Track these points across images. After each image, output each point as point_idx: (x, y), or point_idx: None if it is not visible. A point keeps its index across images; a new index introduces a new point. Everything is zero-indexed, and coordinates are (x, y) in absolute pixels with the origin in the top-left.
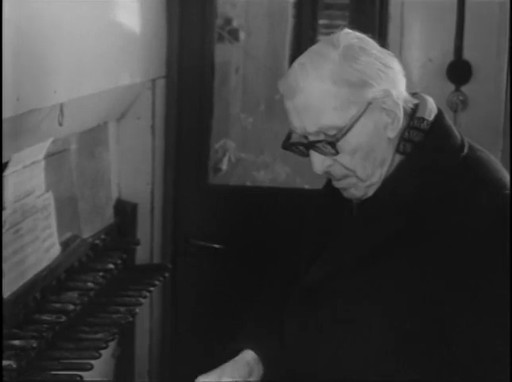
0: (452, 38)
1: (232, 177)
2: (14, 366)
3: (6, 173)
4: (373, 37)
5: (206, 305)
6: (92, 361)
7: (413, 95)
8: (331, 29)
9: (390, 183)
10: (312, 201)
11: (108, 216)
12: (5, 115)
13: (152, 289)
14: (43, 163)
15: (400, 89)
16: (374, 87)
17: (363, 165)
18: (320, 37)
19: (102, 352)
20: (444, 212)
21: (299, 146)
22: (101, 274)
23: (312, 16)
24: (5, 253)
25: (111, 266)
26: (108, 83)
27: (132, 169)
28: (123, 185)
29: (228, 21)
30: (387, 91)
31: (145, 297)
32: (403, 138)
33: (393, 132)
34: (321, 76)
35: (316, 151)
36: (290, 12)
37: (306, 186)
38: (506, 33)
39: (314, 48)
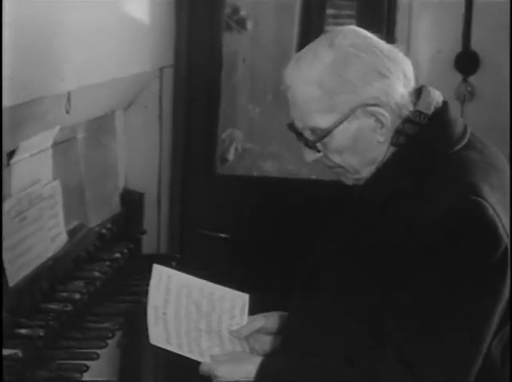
0: (460, 29)
1: (239, 167)
2: (21, 355)
3: (13, 161)
4: (380, 29)
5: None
6: (98, 351)
7: (419, 88)
8: (339, 18)
9: (378, 174)
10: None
11: (115, 206)
12: (12, 103)
13: None
14: (50, 151)
15: (395, 95)
16: (362, 95)
17: (350, 163)
18: (328, 27)
19: (108, 341)
20: (406, 207)
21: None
22: (108, 263)
23: (320, 5)
24: (11, 242)
25: (118, 255)
26: (116, 72)
27: (139, 159)
28: (130, 175)
29: (236, 10)
30: (377, 98)
31: None
32: (397, 131)
33: (382, 136)
34: (309, 78)
35: (303, 144)
36: (298, 1)
37: (313, 176)
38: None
39: (315, 43)
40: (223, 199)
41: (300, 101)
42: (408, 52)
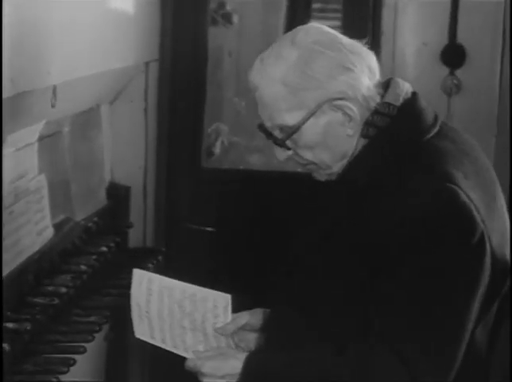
0: (447, 22)
1: (225, 161)
2: (7, 349)
3: None
4: (366, 23)
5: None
6: (85, 344)
7: (388, 81)
8: (325, 12)
9: (350, 167)
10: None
11: (101, 199)
12: None
13: None
14: (36, 145)
15: (361, 87)
16: (327, 90)
17: (322, 158)
18: (314, 21)
19: (95, 335)
20: (380, 199)
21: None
22: (94, 257)
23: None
24: None
25: (104, 249)
26: (101, 66)
27: (125, 152)
28: (116, 168)
29: (222, 4)
30: (343, 92)
31: None
32: (366, 122)
33: (351, 130)
34: (275, 77)
35: (273, 143)
36: None
37: (299, 169)
38: (500, 16)
39: (278, 43)
40: (209, 192)
41: (267, 101)
42: (394, 45)
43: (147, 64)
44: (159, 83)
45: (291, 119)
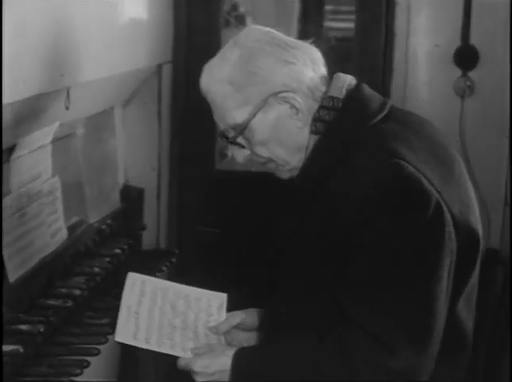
0: (459, 23)
1: (238, 163)
2: (21, 351)
3: (13, 157)
4: (379, 24)
5: (212, 290)
6: (99, 346)
7: (331, 76)
8: (338, 14)
9: (306, 162)
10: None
11: (114, 201)
12: (11, 99)
13: (158, 274)
14: (50, 147)
15: (304, 79)
16: (271, 84)
17: (277, 153)
18: (327, 23)
19: (108, 337)
20: (335, 184)
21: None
22: (107, 259)
23: (319, 1)
24: (10, 238)
25: (118, 251)
26: (115, 68)
27: (138, 155)
28: (129, 170)
29: (235, 6)
30: (286, 85)
31: None
32: (314, 119)
33: (300, 122)
34: (220, 78)
35: (230, 145)
36: None
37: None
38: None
39: (224, 47)
40: (222, 194)
41: (216, 102)
42: (407, 47)
43: (160, 66)
44: (172, 85)
45: (240, 117)
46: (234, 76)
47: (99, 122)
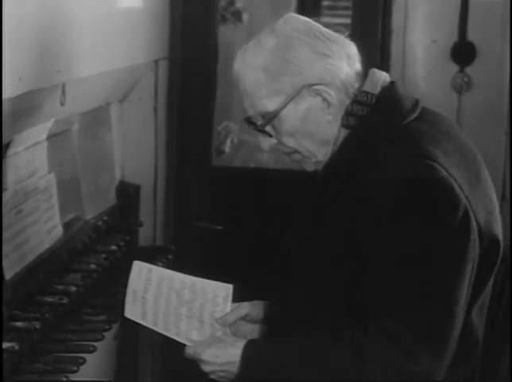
0: (456, 19)
1: (235, 159)
2: (17, 348)
3: (8, 154)
4: (376, 20)
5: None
6: (95, 343)
7: (366, 72)
8: (335, 10)
9: (334, 156)
10: None
11: (111, 198)
12: (6, 96)
13: None
14: (45, 144)
15: (339, 73)
16: (306, 75)
17: (304, 145)
18: (324, 19)
19: (105, 334)
20: (364, 181)
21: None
22: (104, 255)
23: None
24: (6, 234)
25: (114, 247)
26: (111, 64)
27: (135, 151)
28: (126, 167)
29: (231, 2)
30: (321, 78)
31: None
32: (346, 113)
33: (331, 115)
34: (255, 65)
35: (257, 131)
36: None
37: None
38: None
39: (260, 34)
40: (219, 191)
41: (248, 88)
42: (404, 43)
43: (157, 62)
44: (169, 81)
45: (271, 105)
46: (269, 64)
47: (95, 119)
